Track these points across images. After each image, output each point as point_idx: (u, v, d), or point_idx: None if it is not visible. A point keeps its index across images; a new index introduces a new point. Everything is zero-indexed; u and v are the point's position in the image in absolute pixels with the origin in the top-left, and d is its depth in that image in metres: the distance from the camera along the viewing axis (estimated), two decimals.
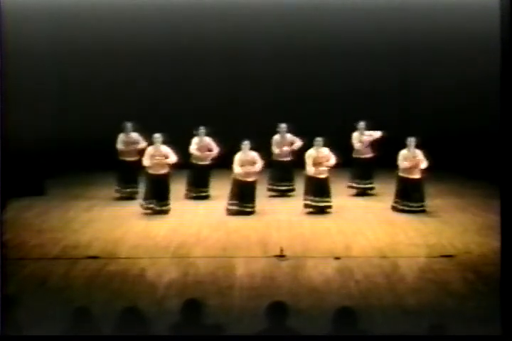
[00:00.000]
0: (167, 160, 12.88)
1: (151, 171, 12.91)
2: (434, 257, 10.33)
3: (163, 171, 12.93)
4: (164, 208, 12.87)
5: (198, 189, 14.08)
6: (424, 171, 13.09)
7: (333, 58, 16.06)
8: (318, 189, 12.94)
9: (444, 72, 15.85)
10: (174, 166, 13.03)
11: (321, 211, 12.93)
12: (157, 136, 12.96)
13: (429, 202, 13.43)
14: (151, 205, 12.79)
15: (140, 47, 15.88)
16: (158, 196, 12.83)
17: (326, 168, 12.97)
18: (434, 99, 16.03)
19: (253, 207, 12.92)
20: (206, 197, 14.07)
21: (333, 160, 12.96)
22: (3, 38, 9.63)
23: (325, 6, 15.69)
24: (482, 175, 14.50)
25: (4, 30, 9.77)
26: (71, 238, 11.30)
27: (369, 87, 16.08)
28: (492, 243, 10.61)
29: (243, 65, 16.15)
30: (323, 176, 12.98)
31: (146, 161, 12.84)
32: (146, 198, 12.87)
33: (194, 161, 14.06)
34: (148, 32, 15.81)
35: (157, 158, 12.84)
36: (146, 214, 12.76)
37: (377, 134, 14.22)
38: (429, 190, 14.03)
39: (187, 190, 14.05)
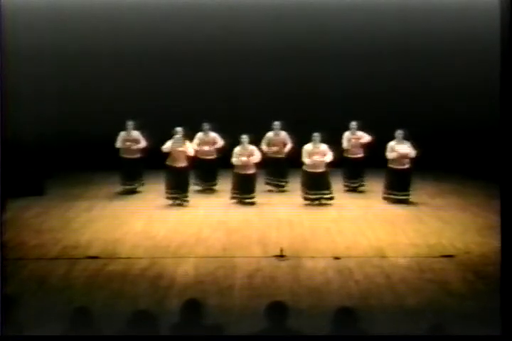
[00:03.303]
0: (189, 150, 13.44)
1: (171, 164, 13.40)
2: (434, 257, 10.32)
3: (182, 164, 13.41)
4: (186, 199, 13.44)
5: (206, 183, 14.51)
6: (412, 162, 13.42)
7: (333, 58, 16.04)
8: (314, 183, 13.34)
9: (444, 72, 15.84)
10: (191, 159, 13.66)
11: (319, 203, 13.39)
12: (179, 130, 13.40)
13: (430, 202, 13.46)
14: (175, 195, 13.40)
15: (141, 46, 15.87)
16: (179, 187, 13.39)
17: (323, 162, 13.30)
18: (435, 98, 16.02)
19: (253, 198, 13.46)
20: (213, 189, 14.55)
21: (330, 155, 13.30)
22: (3, 38, 9.63)
23: (324, 6, 15.69)
24: (483, 174, 14.51)
25: (4, 30, 9.77)
26: (71, 238, 11.30)
27: (369, 86, 16.06)
28: (492, 243, 10.61)
29: (243, 64, 16.13)
30: (319, 170, 13.32)
31: (165, 148, 13.36)
32: (168, 189, 13.45)
33: (199, 156, 14.27)
34: (149, 31, 15.80)
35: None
36: (172, 205, 13.36)
37: (366, 138, 14.38)
38: (430, 189, 14.06)
39: (194, 184, 14.37)
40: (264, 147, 14.20)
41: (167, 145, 13.40)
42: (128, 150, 14.32)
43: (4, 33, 9.80)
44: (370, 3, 15.68)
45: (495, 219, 10.94)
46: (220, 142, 14.34)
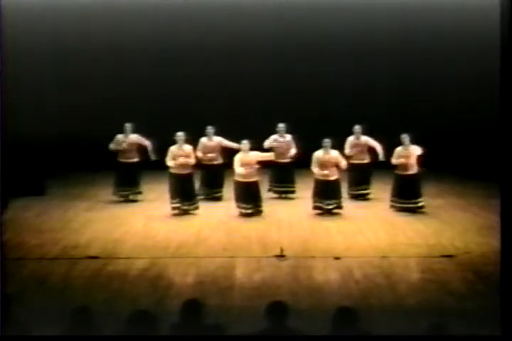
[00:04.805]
0: (190, 160, 12.74)
1: (174, 171, 12.78)
2: (434, 257, 10.32)
3: (187, 171, 12.81)
4: (192, 207, 12.79)
5: (211, 190, 13.80)
6: (420, 167, 12.97)
7: (334, 58, 16.04)
8: (326, 191, 12.71)
9: (444, 71, 15.84)
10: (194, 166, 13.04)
11: (329, 213, 12.76)
12: (180, 135, 12.73)
13: (430, 202, 13.42)
14: (178, 205, 12.71)
15: (140, 46, 15.86)
16: (184, 196, 12.73)
17: (335, 170, 12.74)
18: (435, 99, 16.02)
19: (257, 208, 12.69)
20: (219, 198, 13.80)
21: (343, 163, 12.67)
22: (3, 38, 9.63)
23: (325, 5, 15.69)
24: (483, 175, 14.49)
25: (4, 30, 9.77)
26: (71, 238, 11.30)
27: (369, 86, 16.07)
28: (492, 243, 10.60)
29: (244, 65, 16.12)
30: (332, 178, 12.75)
31: (169, 162, 12.69)
32: (172, 198, 12.75)
33: (204, 161, 13.64)
34: (149, 31, 15.79)
35: (181, 158, 12.65)
36: (175, 214, 12.69)
37: (373, 142, 13.85)
38: (430, 189, 14.03)
39: (199, 191, 13.51)
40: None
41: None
42: (124, 154, 13.77)
43: (4, 32, 9.80)
44: (373, 2, 15.67)
45: (495, 219, 10.93)
46: (232, 144, 13.43)
